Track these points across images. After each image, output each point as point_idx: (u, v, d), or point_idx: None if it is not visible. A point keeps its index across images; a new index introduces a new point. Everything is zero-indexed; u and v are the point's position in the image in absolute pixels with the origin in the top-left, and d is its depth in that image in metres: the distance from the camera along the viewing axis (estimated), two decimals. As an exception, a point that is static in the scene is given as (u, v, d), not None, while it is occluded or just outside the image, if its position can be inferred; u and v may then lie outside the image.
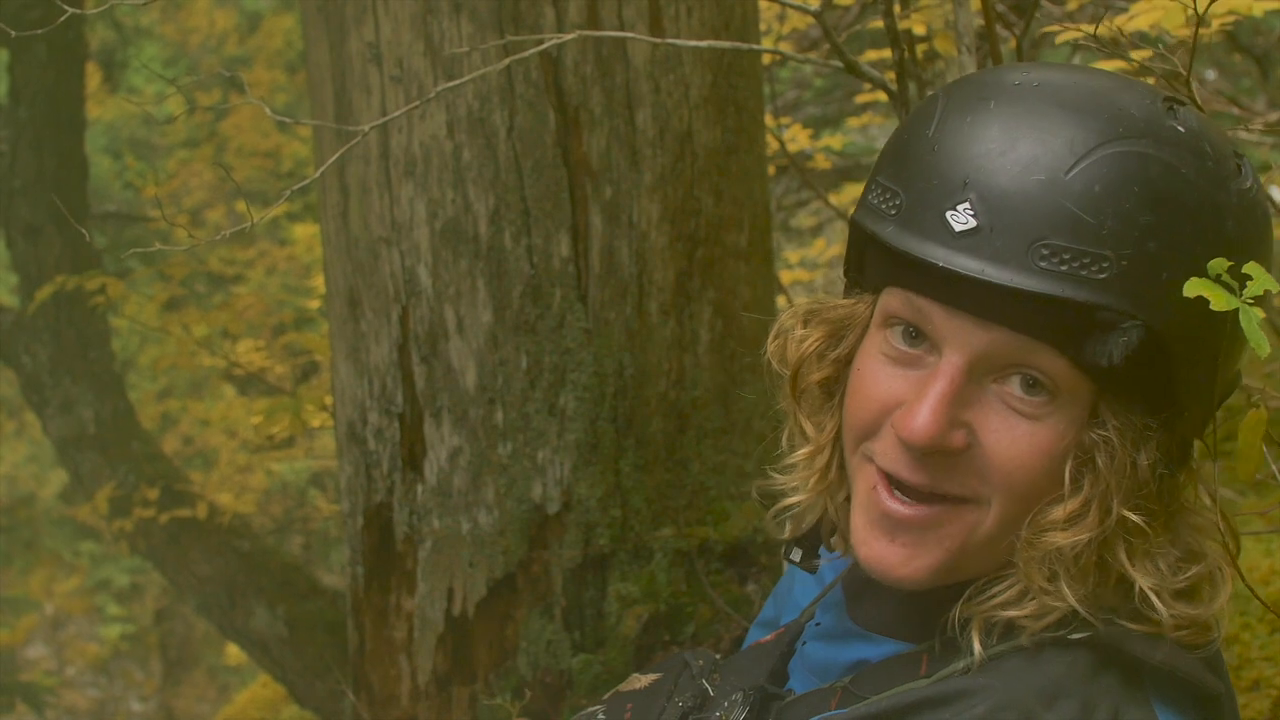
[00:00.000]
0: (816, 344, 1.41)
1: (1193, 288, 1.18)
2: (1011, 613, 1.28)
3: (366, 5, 2.64)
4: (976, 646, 1.28)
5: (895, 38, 2.18)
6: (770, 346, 1.46)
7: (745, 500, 2.72)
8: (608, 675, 2.63)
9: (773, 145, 4.01)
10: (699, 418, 2.70)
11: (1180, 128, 1.24)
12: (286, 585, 4.48)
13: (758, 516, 1.61)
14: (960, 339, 1.25)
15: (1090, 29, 2.22)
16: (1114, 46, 2.35)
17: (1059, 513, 1.25)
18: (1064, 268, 1.19)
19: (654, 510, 2.68)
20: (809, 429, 1.44)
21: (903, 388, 1.30)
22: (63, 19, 2.14)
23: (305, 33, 2.88)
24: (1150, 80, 2.11)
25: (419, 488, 2.71)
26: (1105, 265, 1.19)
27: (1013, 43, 2.37)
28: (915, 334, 1.30)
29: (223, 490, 6.45)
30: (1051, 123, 1.23)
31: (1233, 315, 1.20)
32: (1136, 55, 2.20)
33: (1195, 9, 1.68)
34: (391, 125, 2.63)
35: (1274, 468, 1.83)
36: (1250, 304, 1.19)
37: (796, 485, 1.48)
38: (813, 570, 1.55)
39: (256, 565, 4.59)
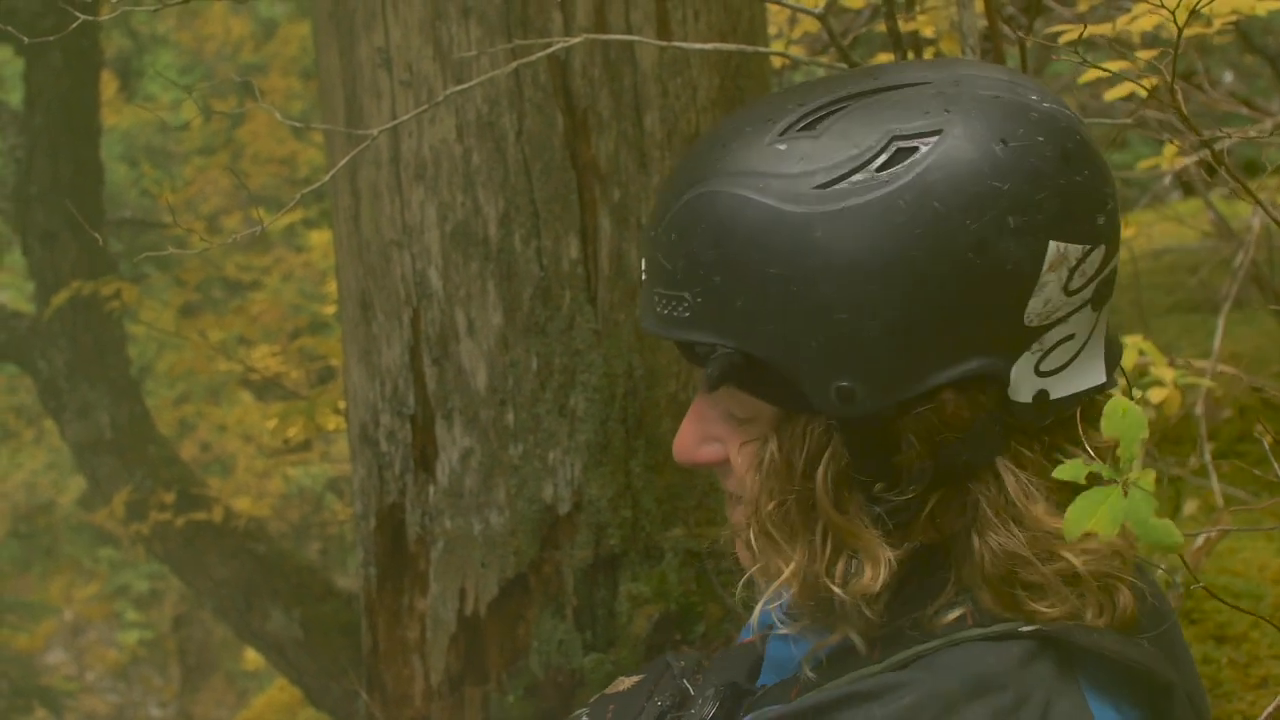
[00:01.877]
0: None
1: (1071, 526, 1.23)
2: (821, 642, 1.38)
3: (376, 11, 2.66)
4: (809, 673, 1.36)
5: (897, 40, 2.19)
6: None
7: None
8: (619, 675, 2.64)
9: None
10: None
11: (781, 147, 1.26)
12: (302, 588, 4.50)
13: None
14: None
15: (1096, 29, 2.23)
16: (1121, 47, 2.37)
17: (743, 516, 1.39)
18: (665, 311, 1.31)
19: (664, 510, 2.69)
20: None
21: None
22: (75, 25, 2.17)
23: (316, 39, 2.90)
24: (1153, 81, 2.13)
25: (431, 489, 2.73)
26: (684, 305, 1.29)
27: (1028, 41, 2.38)
28: None
29: (241, 495, 6.48)
30: (671, 179, 1.35)
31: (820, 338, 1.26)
32: (1142, 55, 2.21)
33: (1175, 15, 1.69)
34: (401, 129, 2.65)
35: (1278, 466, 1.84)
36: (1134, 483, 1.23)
37: None
38: None
39: (272, 568, 4.61)
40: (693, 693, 1.54)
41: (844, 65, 2.28)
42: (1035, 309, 1.25)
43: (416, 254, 2.68)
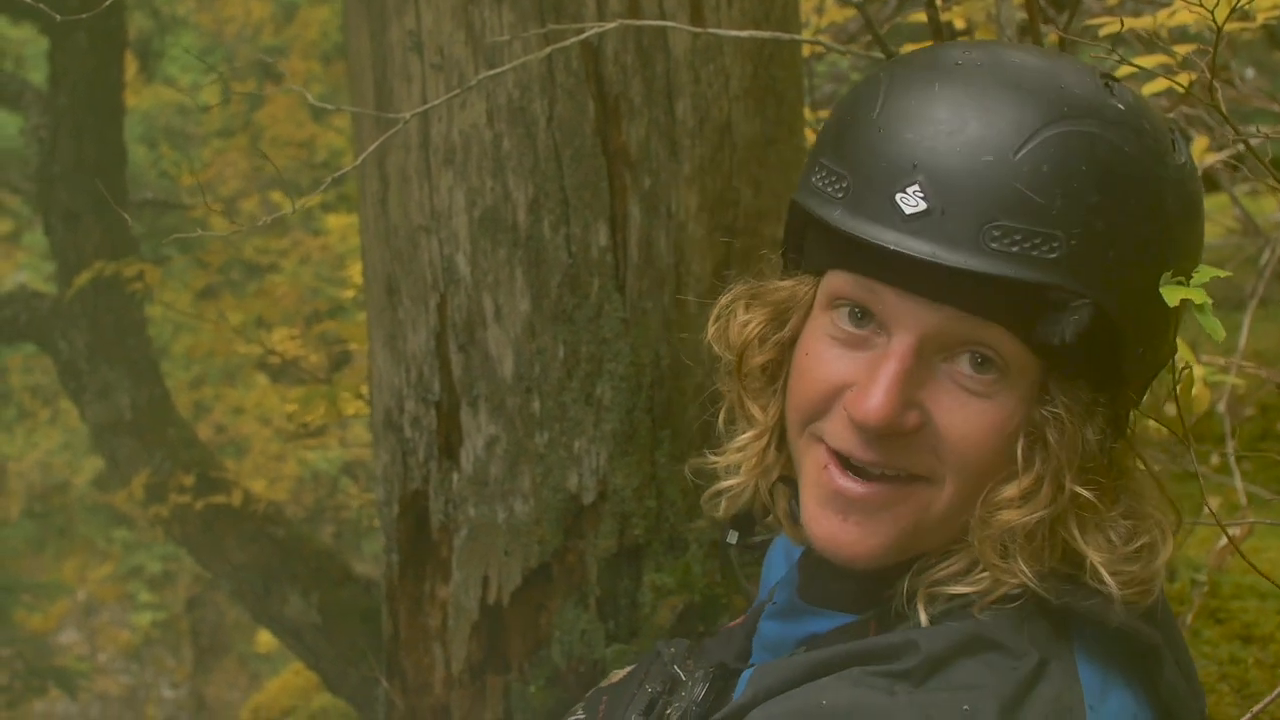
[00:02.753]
0: (759, 327, 1.44)
1: (1170, 295, 1.21)
2: (960, 588, 1.30)
3: (408, -6, 2.65)
4: (923, 616, 1.30)
5: (937, 29, 2.17)
6: (711, 330, 1.48)
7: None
8: (641, 665, 2.63)
9: (810, 138, 4.00)
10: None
11: (1120, 105, 1.25)
12: (320, 572, 4.49)
13: (693, 473, 1.63)
14: (911, 319, 1.27)
15: (1133, 22, 2.21)
16: (1155, 40, 2.34)
17: (1013, 490, 1.27)
18: (1015, 249, 1.20)
19: (689, 501, 2.68)
20: (755, 412, 1.47)
21: (852, 369, 1.32)
22: (105, 5, 2.15)
23: (346, 21, 2.89)
24: (1191, 77, 2.11)
25: (455, 476, 2.71)
26: (1055, 245, 1.20)
27: (1053, 36, 2.36)
28: (862, 315, 1.31)
29: (256, 478, 6.48)
30: (997, 103, 1.23)
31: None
32: (1180, 49, 2.18)
33: (1214, 12, 1.68)
34: (431, 114, 2.63)
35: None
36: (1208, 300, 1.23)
37: (733, 468, 1.52)
38: (749, 549, 1.59)
39: (291, 552, 4.60)
40: (684, 678, 1.53)
41: (880, 55, 2.26)
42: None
43: (444, 239, 2.66)
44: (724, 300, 1.49)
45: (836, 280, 1.33)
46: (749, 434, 1.50)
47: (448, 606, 2.76)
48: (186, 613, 12.25)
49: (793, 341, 1.41)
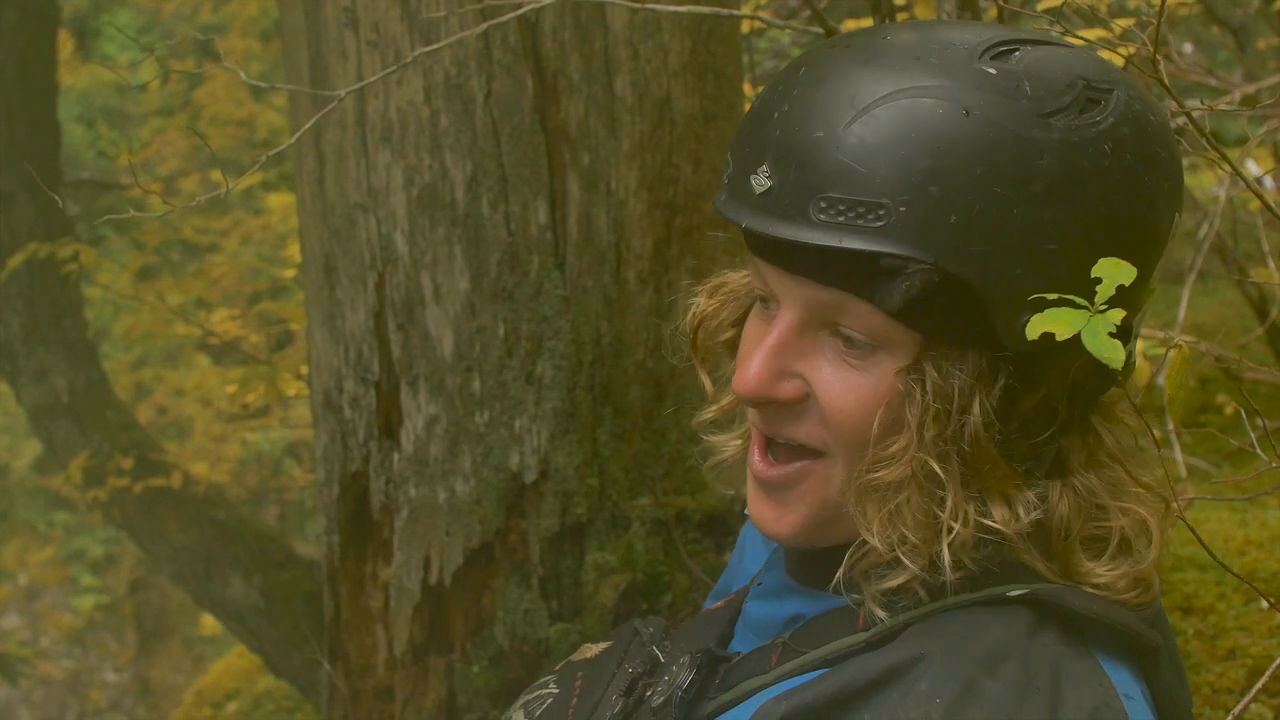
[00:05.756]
0: (713, 309, 1.50)
1: (1034, 328, 1.18)
2: (890, 583, 1.30)
3: (342, -31, 2.62)
4: (880, 614, 1.31)
5: (876, 3, 2.16)
6: (685, 317, 1.53)
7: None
8: (585, 644, 2.62)
9: (751, 114, 3.99)
10: (677, 386, 2.69)
11: (990, 70, 1.24)
12: (262, 555, 4.46)
13: (698, 455, 1.65)
14: (786, 295, 1.31)
15: (1071, -4, 2.21)
16: (1093, 14, 2.34)
17: (878, 454, 1.28)
18: (840, 219, 1.22)
19: (631, 479, 2.67)
20: (708, 385, 1.54)
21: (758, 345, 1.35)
22: (34, -19, 2.11)
23: (280, -3, 2.85)
24: (1130, 50, 2.11)
25: (395, 456, 2.70)
26: (881, 213, 1.21)
27: (993, 11, 2.35)
28: (766, 297, 1.36)
29: (198, 460, 6.42)
30: (844, 81, 1.26)
31: (1055, 252, 1.22)
32: (1119, 23, 2.18)
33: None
34: (368, 91, 2.60)
35: (1252, 437, 1.83)
36: (1103, 310, 1.19)
37: (722, 440, 1.56)
38: None
39: (232, 535, 4.57)
40: (663, 660, 1.52)
41: (818, 30, 2.26)
42: (1155, 272, 1.30)
43: (382, 217, 2.64)
44: (699, 290, 1.54)
45: (750, 266, 1.39)
46: (709, 409, 1.56)
47: (389, 587, 2.74)
48: (130, 596, 12.16)
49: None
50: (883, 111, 1.22)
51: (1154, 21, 1.79)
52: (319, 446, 2.87)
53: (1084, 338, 1.18)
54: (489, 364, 2.61)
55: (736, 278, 1.49)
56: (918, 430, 1.26)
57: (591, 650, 1.64)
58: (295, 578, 4.37)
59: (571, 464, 2.63)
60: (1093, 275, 1.21)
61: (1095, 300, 1.19)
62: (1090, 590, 1.29)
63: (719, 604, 1.61)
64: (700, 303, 1.51)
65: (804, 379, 1.32)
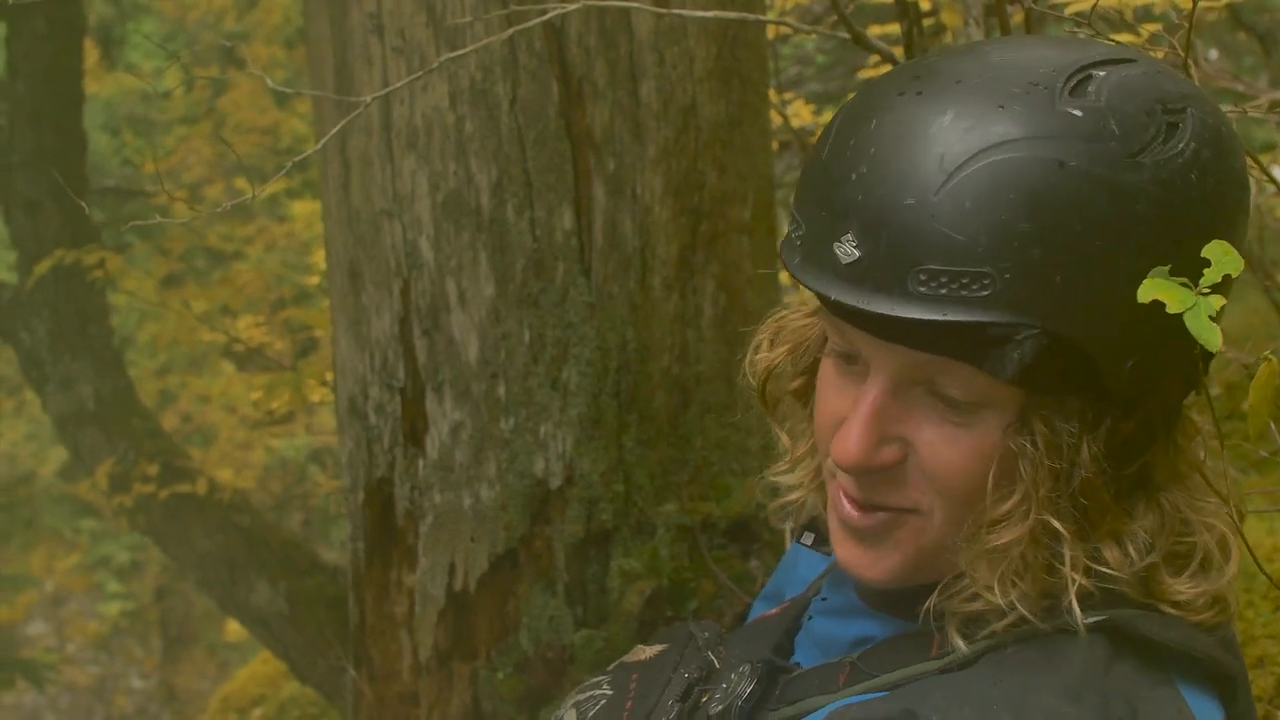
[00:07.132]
0: (781, 359, 1.44)
1: (1146, 291, 1.15)
2: (976, 606, 1.27)
3: (368, -24, 2.62)
4: (959, 644, 1.27)
5: (904, 9, 2.15)
6: (747, 362, 1.49)
7: (748, 476, 2.71)
8: (610, 651, 2.62)
9: (776, 120, 3.99)
10: (702, 393, 2.69)
11: (1076, 111, 1.19)
12: (287, 561, 4.47)
13: (761, 493, 1.62)
14: (877, 360, 1.26)
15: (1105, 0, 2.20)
16: (1120, 20, 2.34)
17: (994, 515, 1.24)
18: (943, 290, 1.17)
19: (657, 486, 2.66)
20: (785, 440, 1.49)
21: (846, 405, 1.31)
22: (61, -12, 2.12)
23: (306, 5, 2.86)
24: (1159, 55, 2.09)
25: (420, 463, 2.69)
26: (986, 282, 1.16)
27: (1019, 16, 2.34)
28: (849, 355, 1.31)
29: (223, 467, 6.44)
30: (924, 139, 1.20)
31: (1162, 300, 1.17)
32: (1145, 27, 2.18)
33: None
34: (393, 97, 2.60)
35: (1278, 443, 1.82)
36: (1206, 294, 1.16)
37: (793, 483, 1.52)
38: (827, 554, 1.56)
39: (257, 541, 4.58)
40: (719, 666, 1.51)
41: (844, 35, 2.25)
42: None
43: (407, 224, 2.64)
44: (758, 335, 1.49)
45: (826, 321, 1.33)
46: (783, 463, 1.52)
47: (414, 594, 2.74)
48: (155, 602, 12.19)
49: (816, 368, 1.42)
50: (975, 173, 1.17)
51: (1182, 25, 1.78)
52: (344, 453, 2.88)
53: (1186, 319, 1.15)
54: (514, 370, 2.61)
55: (796, 320, 1.45)
56: (1033, 487, 1.23)
57: (645, 652, 1.62)
58: (320, 584, 4.37)
59: (597, 470, 2.63)
60: (1202, 255, 1.18)
61: (1200, 283, 1.16)
62: (1169, 610, 1.26)
63: (774, 611, 1.59)
64: (765, 353, 1.46)
65: (904, 440, 1.27)
